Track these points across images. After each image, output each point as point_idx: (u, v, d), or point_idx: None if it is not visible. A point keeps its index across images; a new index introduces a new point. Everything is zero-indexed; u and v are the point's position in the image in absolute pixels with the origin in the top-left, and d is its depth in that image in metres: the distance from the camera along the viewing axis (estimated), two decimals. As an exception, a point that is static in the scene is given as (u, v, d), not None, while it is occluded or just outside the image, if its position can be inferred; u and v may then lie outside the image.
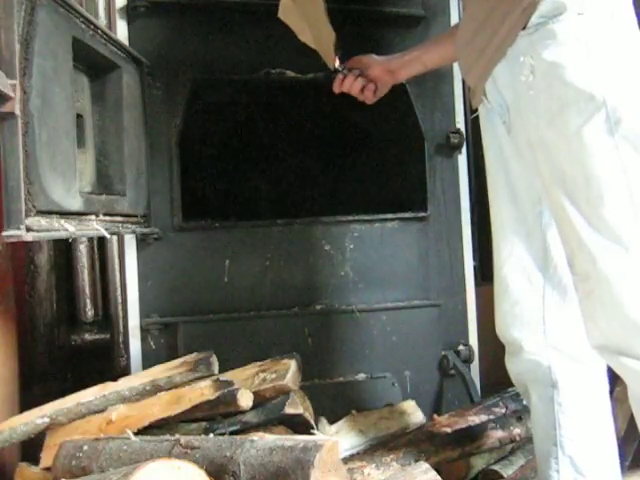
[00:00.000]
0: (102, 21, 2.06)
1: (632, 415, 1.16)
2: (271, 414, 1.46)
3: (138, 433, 1.38)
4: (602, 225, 1.07)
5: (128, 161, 1.63)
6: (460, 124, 2.06)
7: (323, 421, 1.69)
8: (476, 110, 1.38)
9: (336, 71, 1.58)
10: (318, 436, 1.45)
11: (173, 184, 1.84)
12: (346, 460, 1.49)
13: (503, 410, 1.78)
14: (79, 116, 1.48)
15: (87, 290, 2.29)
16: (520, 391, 1.44)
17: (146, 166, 1.77)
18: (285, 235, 1.93)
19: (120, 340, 2.22)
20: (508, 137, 1.27)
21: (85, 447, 1.32)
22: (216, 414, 1.46)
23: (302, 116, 2.39)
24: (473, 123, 1.43)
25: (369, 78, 1.58)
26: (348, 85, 1.57)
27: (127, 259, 1.82)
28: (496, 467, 1.64)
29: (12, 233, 1.13)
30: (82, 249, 2.27)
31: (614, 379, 1.43)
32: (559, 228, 1.18)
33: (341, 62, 1.57)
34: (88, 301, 2.30)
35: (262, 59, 1.92)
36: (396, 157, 2.21)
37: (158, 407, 1.45)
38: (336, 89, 1.60)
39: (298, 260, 1.94)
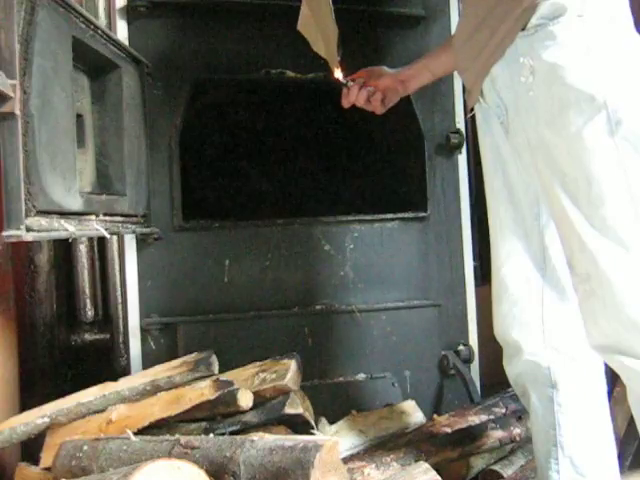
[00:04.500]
0: (102, 21, 2.05)
1: (632, 415, 1.16)
2: (271, 414, 1.46)
3: (138, 433, 1.38)
4: (603, 225, 1.07)
5: (128, 161, 1.63)
6: (460, 124, 2.06)
7: (323, 421, 1.69)
8: (472, 110, 1.38)
9: (341, 84, 1.56)
10: (318, 436, 1.45)
11: (173, 184, 1.84)
12: (346, 460, 1.48)
13: (503, 410, 1.78)
14: (79, 116, 1.48)
15: (87, 290, 2.29)
16: (518, 393, 1.43)
17: (146, 166, 1.77)
18: (285, 235, 1.93)
19: (120, 340, 2.22)
20: (505, 137, 1.27)
21: (85, 447, 1.32)
22: (216, 414, 1.46)
23: (302, 116, 2.39)
24: (473, 123, 1.42)
25: (379, 88, 1.56)
26: (354, 97, 1.55)
27: (127, 259, 1.82)
28: (496, 467, 1.64)
29: (12, 233, 1.13)
30: (82, 249, 2.27)
31: (613, 379, 1.43)
32: (559, 229, 1.18)
33: (345, 75, 1.55)
34: (88, 301, 2.29)
35: (262, 59, 1.92)
36: (396, 157, 2.21)
37: (158, 407, 1.45)
38: (344, 104, 1.58)
39: (298, 260, 1.94)
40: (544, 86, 1.11)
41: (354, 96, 1.55)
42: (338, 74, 1.53)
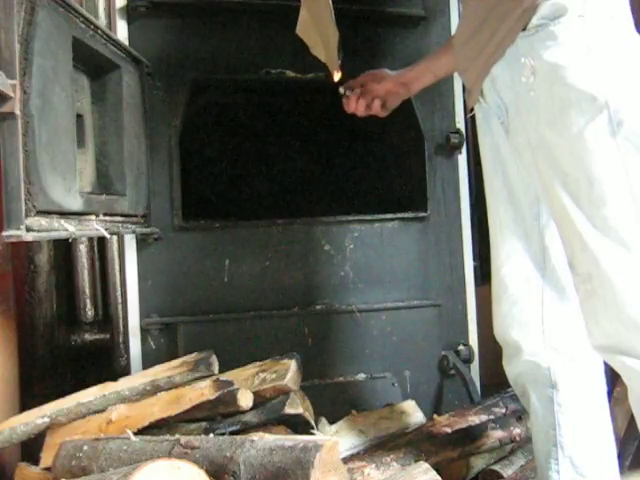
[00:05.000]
0: (102, 21, 2.05)
1: (632, 415, 1.16)
2: (271, 414, 1.46)
3: (138, 433, 1.38)
4: (604, 226, 1.07)
5: (128, 161, 1.63)
6: (460, 124, 2.06)
7: (323, 421, 1.69)
8: (472, 110, 1.38)
9: (339, 95, 1.57)
10: (318, 436, 1.45)
11: (173, 184, 1.84)
12: (346, 460, 1.48)
13: (503, 410, 1.78)
14: (79, 116, 1.48)
15: (87, 290, 2.29)
16: (518, 393, 1.43)
17: (146, 166, 1.77)
18: (285, 235, 1.93)
19: (120, 340, 2.22)
20: (506, 137, 1.27)
21: (85, 447, 1.32)
22: (216, 414, 1.46)
23: (302, 116, 2.39)
24: (473, 123, 1.42)
25: (380, 92, 1.57)
26: (352, 107, 1.57)
27: (127, 259, 1.82)
28: (496, 467, 1.64)
29: (12, 233, 1.13)
30: (82, 249, 2.27)
31: (613, 379, 1.43)
32: (560, 229, 1.18)
33: (346, 79, 1.55)
34: (88, 301, 2.29)
35: (262, 59, 1.92)
36: (396, 157, 2.21)
37: (158, 407, 1.45)
38: (346, 110, 1.61)
39: (298, 260, 1.94)
40: (545, 86, 1.11)
41: (353, 106, 1.57)
42: (338, 78, 1.53)
